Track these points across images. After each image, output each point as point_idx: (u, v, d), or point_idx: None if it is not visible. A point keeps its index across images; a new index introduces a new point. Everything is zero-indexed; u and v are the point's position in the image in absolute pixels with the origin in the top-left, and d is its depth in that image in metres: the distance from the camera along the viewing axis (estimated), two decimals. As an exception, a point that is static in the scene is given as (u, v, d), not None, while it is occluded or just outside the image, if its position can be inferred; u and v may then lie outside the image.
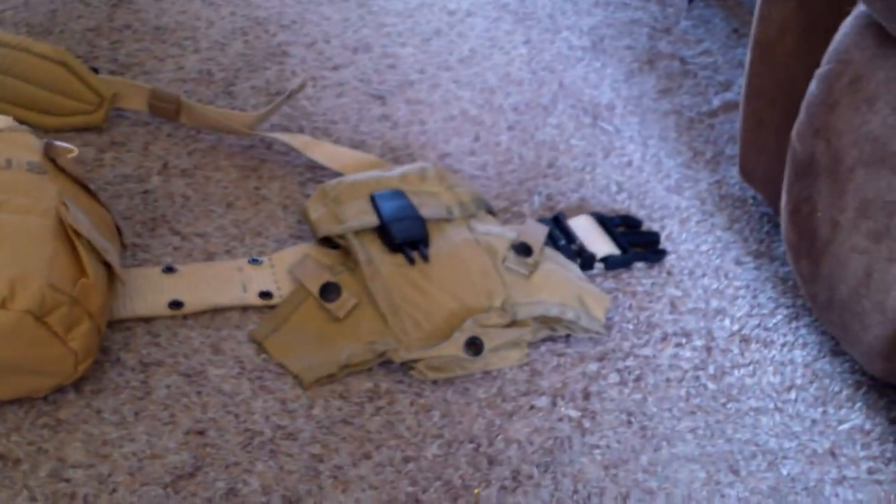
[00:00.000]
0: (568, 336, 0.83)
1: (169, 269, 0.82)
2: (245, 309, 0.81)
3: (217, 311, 0.81)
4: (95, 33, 1.07)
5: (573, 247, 0.90)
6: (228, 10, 1.14)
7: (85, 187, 0.79)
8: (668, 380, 0.81)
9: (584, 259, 0.89)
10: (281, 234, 0.88)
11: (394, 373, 0.78)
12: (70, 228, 0.73)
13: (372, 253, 0.83)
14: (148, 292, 0.80)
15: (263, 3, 1.16)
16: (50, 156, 0.78)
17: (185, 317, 0.80)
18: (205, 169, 0.94)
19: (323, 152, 0.94)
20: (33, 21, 1.07)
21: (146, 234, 0.86)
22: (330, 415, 0.74)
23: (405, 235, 0.84)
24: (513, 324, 0.81)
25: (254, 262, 0.84)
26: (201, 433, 0.71)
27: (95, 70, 0.96)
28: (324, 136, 1.00)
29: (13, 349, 0.68)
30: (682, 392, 0.80)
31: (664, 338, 0.84)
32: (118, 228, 0.80)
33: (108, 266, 0.75)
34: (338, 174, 0.93)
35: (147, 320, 0.79)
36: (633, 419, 0.77)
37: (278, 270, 0.83)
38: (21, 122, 0.84)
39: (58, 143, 0.80)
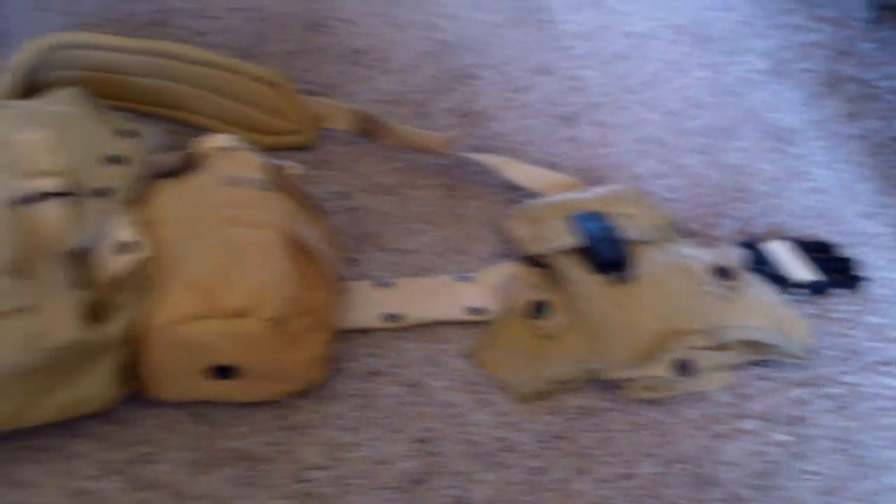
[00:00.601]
0: (771, 360, 0.83)
1: (383, 283, 0.86)
2: (456, 323, 0.84)
3: (428, 324, 0.84)
4: (294, 56, 1.12)
5: (768, 271, 0.90)
6: (416, 33, 1.18)
7: (307, 203, 0.84)
8: (877, 408, 0.80)
9: (780, 284, 0.89)
10: (482, 252, 0.91)
11: (603, 391, 0.80)
12: (298, 242, 0.77)
13: (575, 273, 0.85)
14: (364, 305, 0.84)
15: (449, 27, 1.20)
16: (273, 173, 0.83)
17: (399, 329, 0.83)
18: (406, 187, 0.97)
19: (519, 173, 0.97)
20: (236, 44, 1.13)
21: (355, 249, 0.90)
22: (545, 429, 0.76)
23: (608, 256, 0.85)
24: (718, 347, 0.82)
25: (462, 278, 0.87)
26: (426, 442, 0.74)
27: (301, 92, 1.01)
28: (514, 157, 1.02)
29: (255, 355, 0.73)
30: (894, 422, 0.79)
31: (869, 366, 0.84)
32: (336, 242, 0.84)
33: (332, 278, 0.79)
34: (534, 194, 0.95)
35: (363, 332, 0.83)
36: (843, 446, 0.77)
37: (486, 287, 0.86)
38: (240, 140, 0.89)
39: (278, 160, 0.84)
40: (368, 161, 1.00)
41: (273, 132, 0.99)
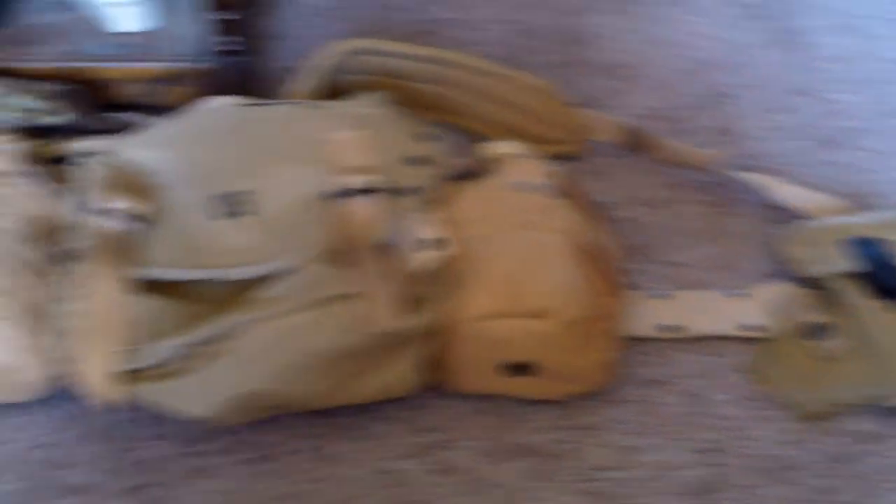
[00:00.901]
0: None
1: (659, 295, 0.88)
2: (730, 339, 0.85)
3: (702, 338, 0.85)
4: (555, 68, 1.15)
5: None
6: (673, 51, 1.20)
7: (591, 210, 0.87)
8: None
9: None
10: (750, 269, 0.92)
11: (886, 417, 0.79)
12: (588, 249, 0.80)
13: (856, 298, 0.85)
14: (640, 314, 0.86)
15: (703, 45, 1.21)
16: (559, 180, 0.86)
17: (671, 340, 0.85)
18: (671, 202, 0.99)
19: (786, 193, 0.97)
20: (500, 55, 1.17)
21: (625, 259, 0.92)
22: (828, 450, 0.77)
23: (893, 283, 0.85)
24: None
25: (736, 294, 0.88)
26: (710, 452, 0.76)
27: (569, 104, 1.05)
28: (775, 178, 1.02)
29: (551, 355, 0.76)
30: None
31: None
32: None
33: (618, 285, 0.82)
34: (800, 215, 0.95)
35: (636, 340, 0.85)
36: None
37: (760, 305, 0.87)
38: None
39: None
40: (633, 174, 1.02)
41: (543, 141, 1.02)
